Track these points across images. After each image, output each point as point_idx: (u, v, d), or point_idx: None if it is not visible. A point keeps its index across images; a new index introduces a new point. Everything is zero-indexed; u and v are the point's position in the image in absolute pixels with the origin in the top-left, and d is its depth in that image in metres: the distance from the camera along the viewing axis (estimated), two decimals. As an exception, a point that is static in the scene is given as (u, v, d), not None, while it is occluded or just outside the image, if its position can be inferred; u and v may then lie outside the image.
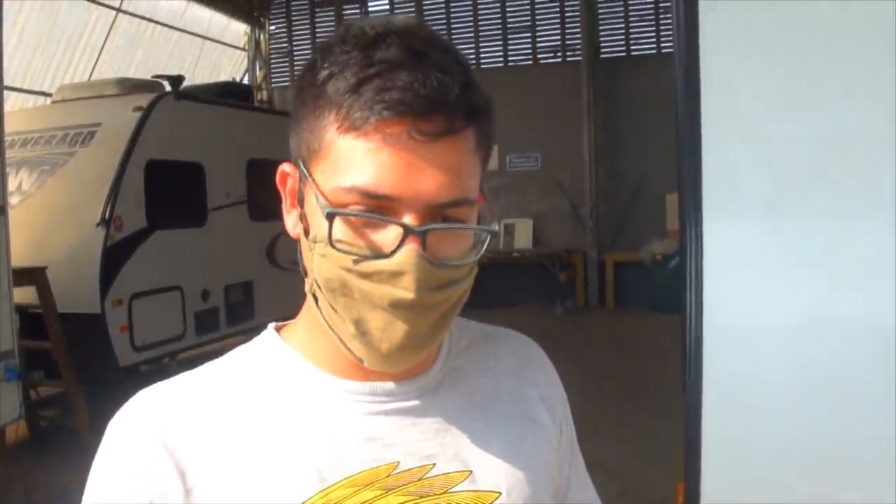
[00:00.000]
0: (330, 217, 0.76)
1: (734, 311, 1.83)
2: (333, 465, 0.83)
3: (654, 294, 11.81)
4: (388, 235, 0.78)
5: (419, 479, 0.85)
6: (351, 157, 0.76)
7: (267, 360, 0.89)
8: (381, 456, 0.85)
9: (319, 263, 0.80)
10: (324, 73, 0.78)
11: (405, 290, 0.77)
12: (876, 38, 1.78)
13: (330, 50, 0.79)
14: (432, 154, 0.76)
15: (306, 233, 0.82)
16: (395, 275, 0.77)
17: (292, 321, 0.93)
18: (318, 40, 15.38)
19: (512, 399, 0.96)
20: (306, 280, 0.84)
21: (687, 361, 1.86)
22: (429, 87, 0.75)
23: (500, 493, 0.88)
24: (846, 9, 1.80)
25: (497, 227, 0.83)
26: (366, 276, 0.78)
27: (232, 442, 0.82)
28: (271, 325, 0.93)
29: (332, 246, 0.77)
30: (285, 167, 0.86)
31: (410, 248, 0.77)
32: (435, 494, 0.85)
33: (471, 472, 0.88)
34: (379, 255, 0.77)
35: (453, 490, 0.86)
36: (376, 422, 0.86)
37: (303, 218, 0.83)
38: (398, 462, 0.85)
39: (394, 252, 0.77)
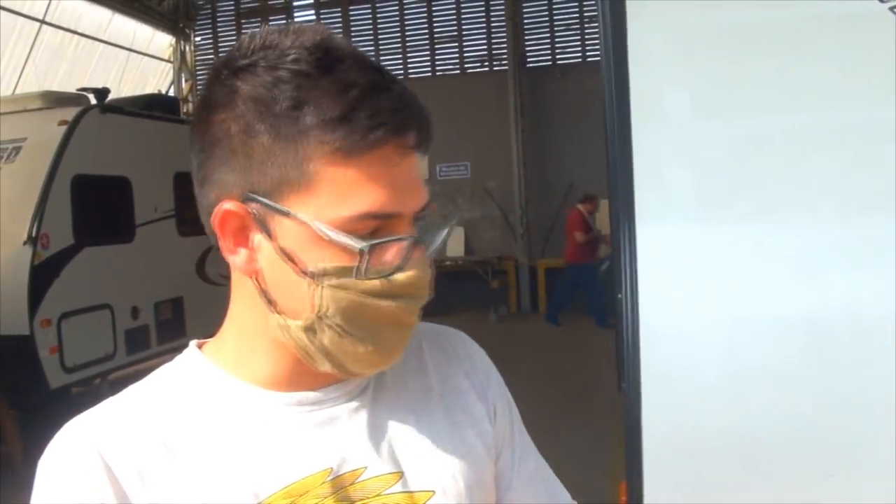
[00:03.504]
0: (371, 249, 0.77)
1: (667, 312, 1.87)
2: (266, 477, 0.82)
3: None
4: (393, 250, 0.80)
5: (352, 484, 0.85)
6: (351, 185, 0.77)
7: (191, 379, 0.87)
8: (314, 464, 0.84)
9: (333, 296, 0.78)
10: (286, 103, 0.76)
11: (422, 298, 0.83)
12: (798, 42, 1.84)
13: (269, 74, 0.77)
14: (411, 166, 0.80)
15: (304, 272, 0.79)
16: (414, 285, 0.81)
17: (213, 338, 0.91)
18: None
19: (441, 393, 0.96)
20: (277, 315, 0.82)
21: (624, 363, 1.89)
22: (405, 105, 0.78)
23: (433, 493, 0.88)
24: (770, 14, 1.86)
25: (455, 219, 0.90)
26: (390, 295, 0.80)
27: (165, 465, 0.80)
28: (193, 343, 0.91)
29: (364, 275, 0.78)
30: (229, 206, 0.80)
31: (420, 257, 0.82)
32: (368, 498, 0.85)
33: (402, 473, 0.88)
34: (394, 271, 0.79)
35: (387, 492, 0.86)
36: (307, 430, 0.85)
37: (286, 256, 0.79)
38: (331, 468, 0.84)
39: (404, 265, 0.80)
